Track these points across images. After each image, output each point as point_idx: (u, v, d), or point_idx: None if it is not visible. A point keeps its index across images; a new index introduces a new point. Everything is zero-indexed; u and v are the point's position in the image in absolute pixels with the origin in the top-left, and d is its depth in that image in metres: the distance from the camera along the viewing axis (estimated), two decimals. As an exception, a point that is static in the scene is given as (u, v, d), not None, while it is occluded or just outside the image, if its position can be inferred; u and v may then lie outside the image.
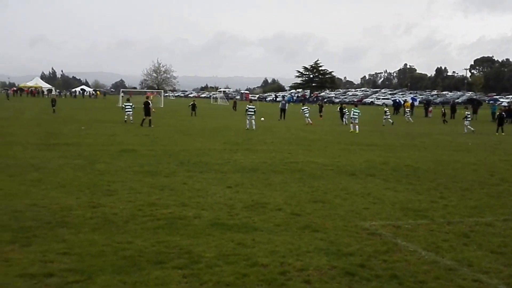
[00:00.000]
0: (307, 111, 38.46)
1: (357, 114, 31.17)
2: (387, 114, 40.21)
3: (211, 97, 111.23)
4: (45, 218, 8.65)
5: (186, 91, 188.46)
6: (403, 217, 9.68)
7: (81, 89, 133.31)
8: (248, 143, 22.58)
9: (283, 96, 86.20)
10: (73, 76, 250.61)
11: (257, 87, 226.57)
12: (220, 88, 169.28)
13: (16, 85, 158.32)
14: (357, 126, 30.68)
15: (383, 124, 38.85)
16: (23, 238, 7.52)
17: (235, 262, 6.79)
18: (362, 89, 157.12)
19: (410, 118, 45.29)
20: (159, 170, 14.29)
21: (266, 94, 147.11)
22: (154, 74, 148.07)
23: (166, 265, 6.60)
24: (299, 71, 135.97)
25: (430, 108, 59.50)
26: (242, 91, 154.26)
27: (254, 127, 30.41)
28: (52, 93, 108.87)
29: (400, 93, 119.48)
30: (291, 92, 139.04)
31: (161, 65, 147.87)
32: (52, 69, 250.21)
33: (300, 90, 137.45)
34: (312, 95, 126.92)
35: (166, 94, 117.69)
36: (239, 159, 17.01)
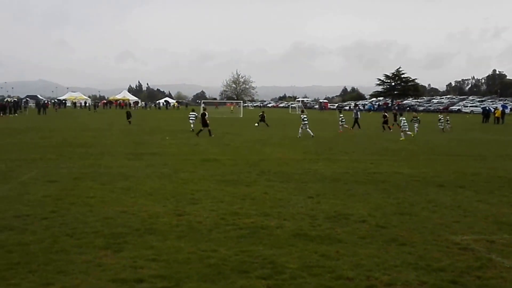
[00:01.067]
0: (343, 119, 39.12)
1: (405, 121, 31.85)
2: (441, 120, 40.18)
3: (289, 106, 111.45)
4: (134, 225, 9.00)
5: (265, 101, 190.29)
6: (497, 231, 9.17)
7: (165, 100, 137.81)
8: (329, 152, 22.38)
9: (356, 105, 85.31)
10: (157, 89, 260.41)
11: (336, 96, 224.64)
12: (298, 98, 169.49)
13: (106, 98, 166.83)
14: (402, 134, 31.25)
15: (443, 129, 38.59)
16: (115, 244, 7.85)
17: (319, 274, 6.72)
18: (448, 96, 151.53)
19: (448, 126, 41.79)
20: (240, 179, 14.47)
21: (345, 103, 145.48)
22: (234, 85, 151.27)
23: (250, 274, 6.65)
24: (380, 79, 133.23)
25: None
26: (321, 100, 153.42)
27: (300, 135, 31.15)
28: (139, 105, 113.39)
29: (490, 100, 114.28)
30: (372, 101, 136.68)
31: (240, 76, 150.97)
32: (139, 82, 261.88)
33: (381, 98, 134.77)
34: (394, 103, 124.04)
35: (245, 104, 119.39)
36: (320, 169, 16.88)
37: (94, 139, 27.63)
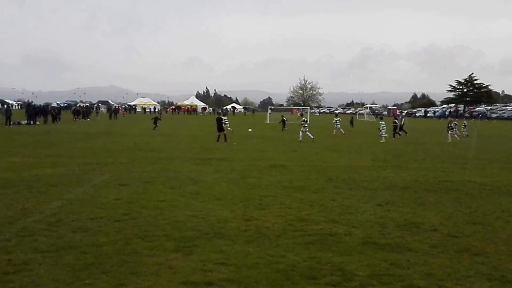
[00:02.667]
0: (338, 123, 41.09)
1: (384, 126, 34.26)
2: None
3: (357, 113, 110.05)
4: (203, 229, 9.15)
5: (332, 107, 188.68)
6: None
7: (232, 106, 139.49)
8: (398, 160, 21.92)
9: (401, 112, 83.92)
10: (224, 95, 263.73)
11: (405, 102, 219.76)
12: (366, 104, 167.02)
13: (174, 103, 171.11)
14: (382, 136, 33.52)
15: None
16: (185, 247, 8.00)
17: (389, 282, 6.59)
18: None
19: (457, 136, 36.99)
20: (308, 185, 14.42)
21: (415, 110, 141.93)
22: (300, 91, 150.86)
23: (319, 281, 6.61)
24: (451, 85, 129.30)
25: None
26: (389, 107, 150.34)
27: (300, 138, 32.30)
28: (207, 111, 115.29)
29: None
30: (443, 107, 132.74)
31: (307, 82, 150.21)
32: (206, 88, 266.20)
33: (452, 105, 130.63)
34: (466, 110, 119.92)
35: (312, 111, 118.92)
36: (389, 176, 16.57)
37: (163, 144, 28.30)
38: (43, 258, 7.37)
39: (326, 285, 6.46)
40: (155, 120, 43.66)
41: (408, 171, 18.04)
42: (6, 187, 13.18)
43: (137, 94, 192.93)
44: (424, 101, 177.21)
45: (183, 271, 6.88)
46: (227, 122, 34.10)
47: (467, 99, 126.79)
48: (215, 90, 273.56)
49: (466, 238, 8.93)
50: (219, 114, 33.87)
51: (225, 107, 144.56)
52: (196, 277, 6.66)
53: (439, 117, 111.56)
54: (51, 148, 24.68)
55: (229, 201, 11.86)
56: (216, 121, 31.32)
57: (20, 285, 6.31)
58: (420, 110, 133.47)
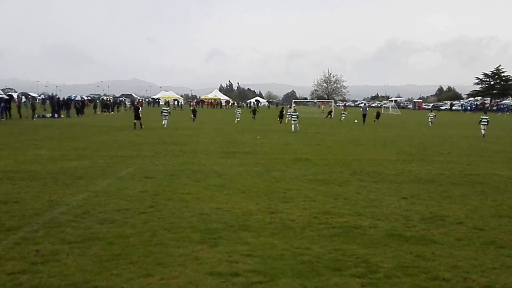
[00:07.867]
0: (239, 114, 47.77)
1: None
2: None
3: (382, 106, 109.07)
4: (229, 221, 9.24)
5: (356, 100, 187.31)
6: None
7: (256, 100, 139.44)
8: (423, 153, 21.75)
9: (364, 103, 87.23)
10: (248, 88, 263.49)
11: (431, 95, 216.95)
12: (391, 97, 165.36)
13: (198, 97, 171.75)
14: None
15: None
16: (211, 239, 8.10)
17: (414, 274, 6.61)
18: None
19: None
20: (332, 179, 14.43)
21: (440, 103, 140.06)
22: (325, 84, 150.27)
23: (344, 272, 6.65)
24: (478, 78, 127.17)
25: None
26: (415, 100, 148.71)
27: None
28: (230, 104, 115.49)
29: None
30: (469, 100, 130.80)
31: (331, 75, 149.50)
32: (229, 81, 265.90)
33: (479, 98, 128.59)
34: (492, 103, 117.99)
35: (336, 104, 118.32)
36: (414, 169, 16.47)
37: (187, 137, 28.42)
38: (71, 249, 7.52)
39: (351, 277, 6.50)
40: (194, 112, 47.83)
41: (433, 164, 17.91)
42: (33, 179, 13.44)
43: (160, 87, 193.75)
44: (450, 94, 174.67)
45: (209, 262, 6.98)
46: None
47: (494, 92, 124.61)
48: (238, 83, 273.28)
49: (492, 231, 8.90)
50: (136, 103, 37.54)
51: (248, 101, 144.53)
52: (222, 268, 6.75)
53: (465, 110, 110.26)
54: (76, 141, 24.96)
55: (253, 194, 11.94)
56: (133, 110, 35.67)
57: (48, 275, 6.45)
58: (446, 103, 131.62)
